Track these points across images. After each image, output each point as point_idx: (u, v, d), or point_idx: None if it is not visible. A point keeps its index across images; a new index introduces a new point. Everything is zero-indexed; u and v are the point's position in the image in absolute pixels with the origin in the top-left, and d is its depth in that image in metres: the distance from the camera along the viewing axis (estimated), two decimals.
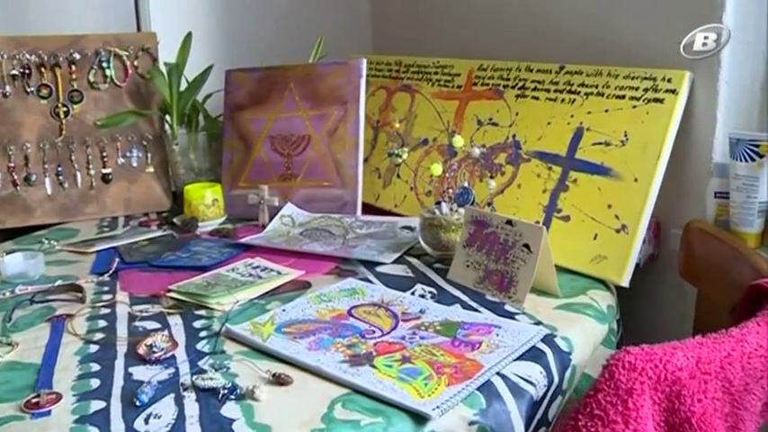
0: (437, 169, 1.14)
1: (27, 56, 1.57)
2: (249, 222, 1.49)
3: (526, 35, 1.42)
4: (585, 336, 0.93)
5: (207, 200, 1.46)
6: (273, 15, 1.93)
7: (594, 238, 1.09)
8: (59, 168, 1.58)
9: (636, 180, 1.07)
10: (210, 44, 1.90)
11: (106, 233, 1.48)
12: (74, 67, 1.59)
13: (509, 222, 1.02)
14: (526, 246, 0.99)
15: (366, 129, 1.54)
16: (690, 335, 1.12)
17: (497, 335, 0.89)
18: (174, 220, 1.50)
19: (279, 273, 1.15)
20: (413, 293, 1.05)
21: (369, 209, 1.49)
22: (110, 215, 1.61)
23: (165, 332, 0.96)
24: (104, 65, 1.61)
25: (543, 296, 1.02)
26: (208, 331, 0.96)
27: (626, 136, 1.10)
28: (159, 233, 1.44)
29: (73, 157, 1.59)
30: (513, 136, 1.27)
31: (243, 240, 1.31)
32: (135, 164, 1.64)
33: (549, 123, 1.22)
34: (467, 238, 1.08)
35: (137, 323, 1.00)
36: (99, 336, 0.96)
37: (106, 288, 1.15)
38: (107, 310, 1.05)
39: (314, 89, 1.47)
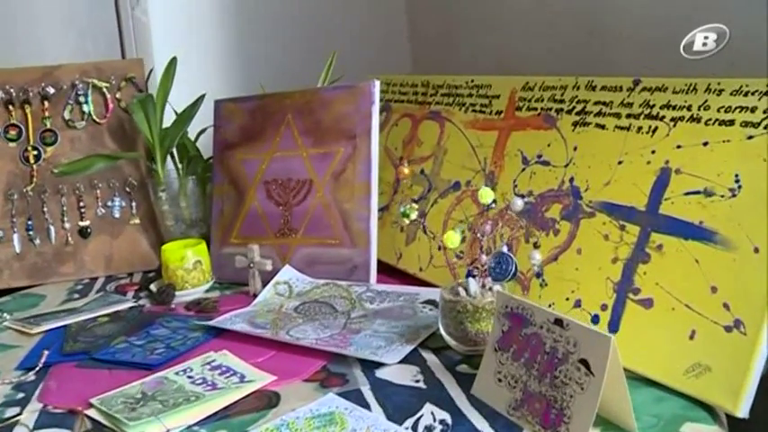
0: (453, 240, 0.80)
1: None
2: (242, 288, 1.19)
3: (584, 39, 1.07)
4: None
5: (187, 262, 1.17)
6: (294, 37, 1.66)
7: (691, 338, 0.73)
8: (30, 222, 1.34)
9: (756, 250, 0.70)
10: (221, 71, 1.64)
11: (73, 300, 1.22)
12: (47, 104, 1.35)
13: (558, 323, 0.67)
14: (584, 363, 0.64)
15: (386, 167, 1.23)
16: None
17: None
18: (151, 286, 1.22)
19: (242, 379, 0.84)
20: (415, 425, 0.71)
21: (388, 271, 1.17)
22: (89, 276, 1.36)
23: None
24: (81, 99, 1.36)
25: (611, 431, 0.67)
26: None
27: (737, 182, 0.74)
28: (129, 305, 1.16)
29: (45, 209, 1.35)
30: (571, 180, 0.92)
31: (214, 323, 1.01)
32: (117, 214, 1.38)
33: (620, 163, 0.86)
34: (499, 338, 0.74)
35: None
36: None
37: (21, 395, 0.87)
38: None
39: (315, 121, 1.16)
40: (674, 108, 0.83)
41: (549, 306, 0.89)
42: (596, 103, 0.93)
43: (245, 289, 1.18)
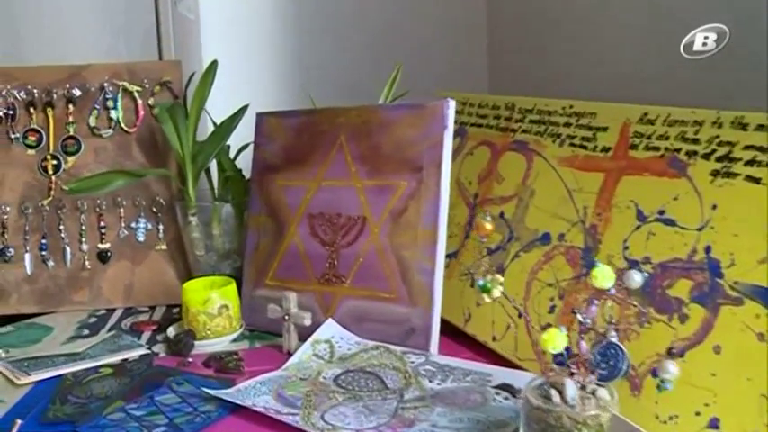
0: (556, 341, 0.57)
1: (14, 92, 1.18)
2: (275, 340, 1.00)
3: (732, 57, 0.83)
4: None
5: (212, 306, 0.98)
6: (357, 44, 1.47)
7: None
8: (44, 241, 1.18)
9: None
10: (275, 80, 1.47)
11: (81, 338, 1.05)
12: (71, 108, 1.19)
13: None
14: None
15: (458, 205, 1.01)
16: None
17: None
18: (169, 329, 1.03)
19: None
20: None
21: (453, 334, 0.95)
22: (105, 306, 1.19)
23: None
24: (110, 104, 1.19)
25: None
26: None
27: None
28: (140, 351, 0.97)
29: (62, 227, 1.19)
30: (707, 249, 0.69)
31: (232, 396, 0.81)
32: (142, 238, 1.20)
33: None
34: None
35: None
36: None
37: None
38: None
39: (373, 146, 0.96)
40: None
41: (671, 419, 0.66)
42: (748, 148, 0.69)
43: (278, 341, 0.98)
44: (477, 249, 0.99)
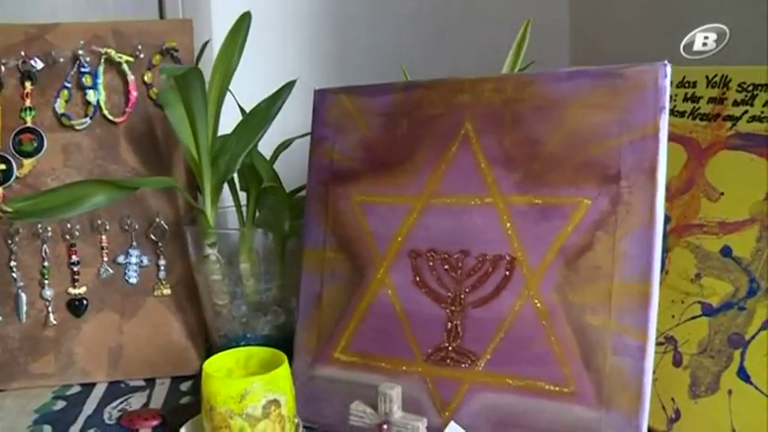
0: None
1: None
2: None
3: None
4: None
5: (253, 403, 0.60)
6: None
7: None
8: None
9: None
10: (313, 50, 1.11)
11: None
12: (29, 87, 0.81)
13: None
14: None
15: None
16: None
17: None
18: None
19: None
20: None
21: None
22: (79, 381, 0.81)
23: None
24: (87, 81, 0.81)
25: None
26: None
27: None
28: None
29: (13, 263, 0.81)
30: None
31: None
32: (134, 279, 0.82)
33: None
34: None
35: None
36: None
37: None
38: None
39: (527, 140, 0.58)
40: None
41: None
42: None
43: None
44: (676, 303, 0.62)
